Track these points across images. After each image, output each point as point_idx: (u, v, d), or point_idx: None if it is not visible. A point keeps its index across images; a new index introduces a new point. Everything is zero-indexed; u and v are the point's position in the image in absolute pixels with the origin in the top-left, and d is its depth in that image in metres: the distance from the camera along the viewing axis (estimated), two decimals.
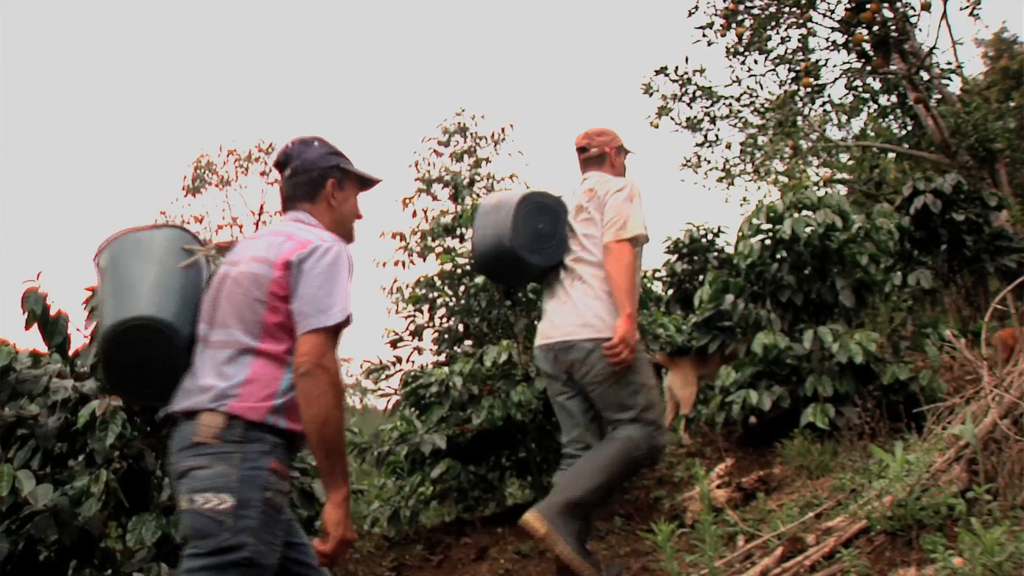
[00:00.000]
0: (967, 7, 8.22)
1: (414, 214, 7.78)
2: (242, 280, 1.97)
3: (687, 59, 13.38)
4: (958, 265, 7.22)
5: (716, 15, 9.09)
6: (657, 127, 10.21)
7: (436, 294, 5.34)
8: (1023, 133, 9.63)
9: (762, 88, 9.86)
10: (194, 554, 1.83)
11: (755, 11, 8.97)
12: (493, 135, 8.56)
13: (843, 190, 10.16)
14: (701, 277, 7.06)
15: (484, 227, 3.29)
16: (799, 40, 9.21)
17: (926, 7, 8.13)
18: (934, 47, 8.32)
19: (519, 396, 4.59)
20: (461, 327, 5.44)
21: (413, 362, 5.54)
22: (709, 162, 10.80)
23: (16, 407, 3.02)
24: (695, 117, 10.27)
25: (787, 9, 8.81)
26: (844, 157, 10.87)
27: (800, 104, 9.60)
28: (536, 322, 5.04)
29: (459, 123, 8.45)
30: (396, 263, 6.74)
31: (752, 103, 9.94)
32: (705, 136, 10.44)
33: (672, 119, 10.24)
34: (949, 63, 8.96)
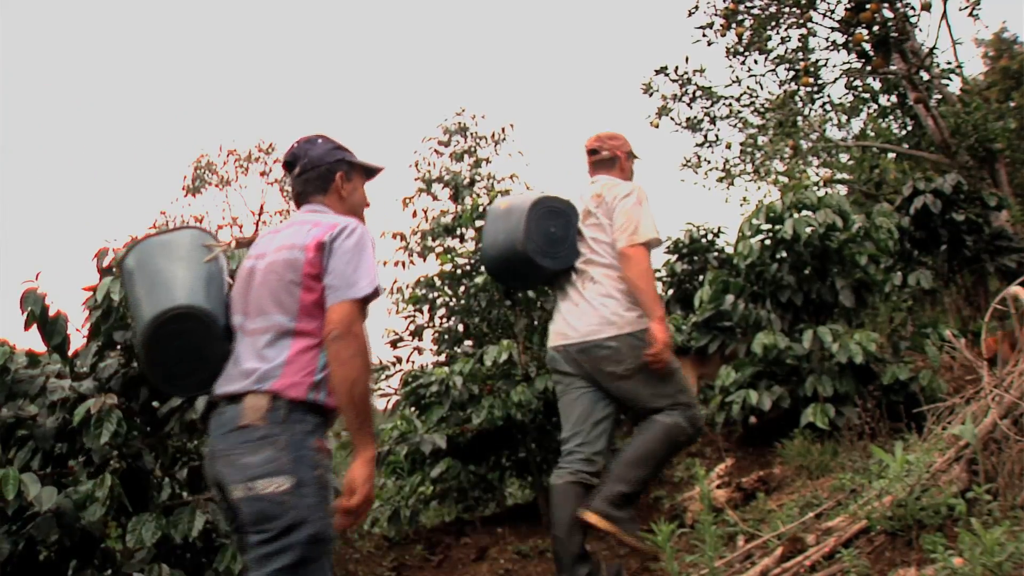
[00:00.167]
0: (967, 7, 8.21)
1: (414, 214, 7.79)
2: (275, 267, 2.09)
3: (687, 59, 13.39)
4: (958, 265, 7.21)
5: (716, 15, 9.07)
6: (657, 127, 10.19)
7: (436, 294, 5.34)
8: (1023, 133, 9.62)
9: (762, 88, 9.84)
10: (263, 539, 1.92)
11: (755, 11, 8.96)
12: (493, 135, 8.57)
13: (843, 190, 10.14)
14: (701, 277, 7.05)
15: (496, 231, 3.34)
16: (799, 40, 9.20)
17: (926, 7, 8.11)
18: (934, 47, 8.31)
19: (519, 396, 4.59)
20: (461, 327, 5.45)
21: (413, 362, 5.55)
22: (709, 162, 10.78)
23: (15, 407, 3.02)
24: (695, 117, 10.25)
25: (787, 9, 8.80)
26: (844, 157, 10.85)
27: (800, 104, 9.59)
28: (536, 322, 5.07)
29: (459, 123, 8.46)
30: (396, 263, 6.74)
31: (752, 103, 9.92)
32: (705, 136, 10.42)
33: (672, 119, 10.21)
34: (949, 63, 8.94)
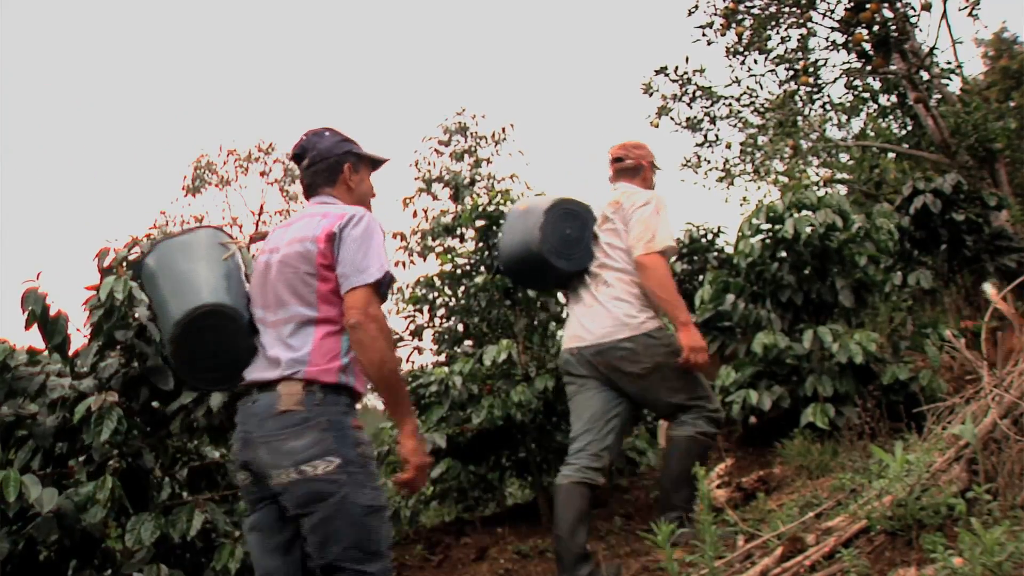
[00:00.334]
0: (967, 7, 8.20)
1: (414, 214, 7.81)
2: (289, 260, 2.16)
3: (687, 59, 13.36)
4: (958, 265, 7.20)
5: (716, 15, 9.07)
6: (657, 127, 10.18)
7: (436, 294, 5.34)
8: (1023, 133, 9.61)
9: (762, 88, 9.84)
10: (321, 518, 1.98)
11: (755, 11, 8.95)
12: (494, 135, 8.59)
13: (843, 190, 10.14)
14: (701, 277, 7.05)
15: (513, 231, 3.40)
16: (799, 40, 9.20)
17: (926, 7, 8.11)
18: (934, 47, 8.30)
19: (519, 396, 4.59)
20: (461, 327, 5.44)
21: (413, 362, 5.55)
22: (709, 162, 10.78)
23: (15, 406, 3.02)
24: (695, 117, 10.24)
25: (787, 9, 8.79)
26: (844, 157, 10.85)
27: (800, 104, 9.58)
28: (536, 322, 5.07)
29: (459, 123, 8.48)
30: (396, 263, 6.74)
31: (752, 103, 9.92)
32: (705, 136, 10.42)
33: (672, 119, 10.21)
34: (949, 63, 8.93)
